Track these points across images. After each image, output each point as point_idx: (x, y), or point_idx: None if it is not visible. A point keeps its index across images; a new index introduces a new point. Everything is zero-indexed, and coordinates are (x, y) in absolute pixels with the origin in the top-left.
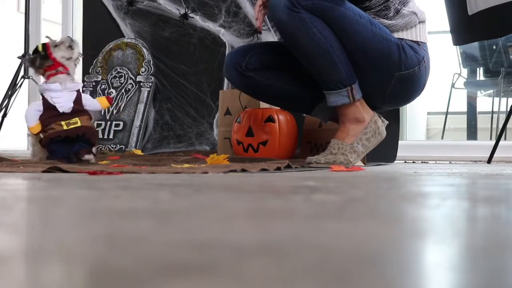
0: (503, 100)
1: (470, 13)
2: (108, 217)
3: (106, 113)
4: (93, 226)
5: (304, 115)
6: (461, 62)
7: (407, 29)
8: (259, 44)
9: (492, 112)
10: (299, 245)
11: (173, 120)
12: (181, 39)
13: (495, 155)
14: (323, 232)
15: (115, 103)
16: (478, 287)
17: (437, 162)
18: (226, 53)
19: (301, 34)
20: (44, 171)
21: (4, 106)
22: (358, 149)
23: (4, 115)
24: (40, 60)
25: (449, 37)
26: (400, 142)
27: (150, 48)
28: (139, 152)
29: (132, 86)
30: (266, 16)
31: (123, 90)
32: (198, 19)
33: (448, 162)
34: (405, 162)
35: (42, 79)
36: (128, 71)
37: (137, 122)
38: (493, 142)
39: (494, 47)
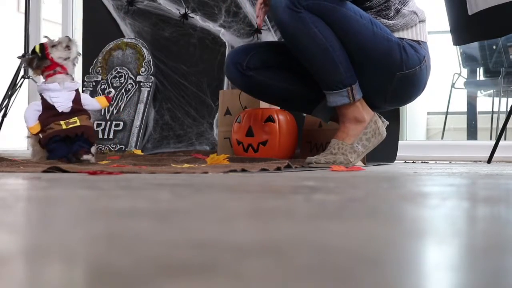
0: (503, 100)
1: (470, 13)
2: (108, 217)
3: (106, 113)
4: (93, 226)
5: (304, 115)
6: (461, 62)
7: (407, 28)
8: (260, 43)
9: (492, 112)
10: (299, 245)
11: (173, 120)
12: (181, 39)
13: (495, 155)
14: (323, 232)
15: (115, 103)
16: (478, 287)
17: (437, 162)
18: (226, 53)
19: (302, 34)
20: (44, 171)
21: (4, 106)
22: (358, 149)
23: (4, 115)
24: (37, 61)
25: (449, 37)
26: (400, 142)
27: (150, 48)
28: (139, 152)
29: (132, 86)
30: (266, 16)
31: (123, 90)
32: (198, 19)
33: (448, 162)
34: (405, 162)
35: (41, 79)
36: (128, 71)
37: (137, 122)
38: (493, 142)
39: (494, 47)
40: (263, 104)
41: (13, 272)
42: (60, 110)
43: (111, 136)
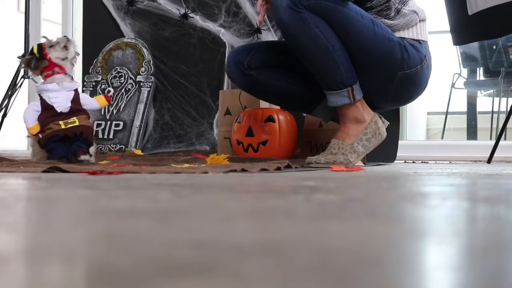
0: (503, 100)
1: (470, 13)
2: (108, 217)
3: (106, 113)
4: (93, 226)
5: (304, 115)
6: (461, 62)
7: (408, 28)
8: (261, 43)
9: (492, 112)
10: (299, 245)
11: (173, 120)
12: (181, 39)
13: (495, 155)
14: (323, 232)
15: (115, 103)
16: (478, 287)
17: (437, 162)
18: (226, 53)
19: (303, 34)
20: (44, 171)
21: (4, 106)
22: (358, 149)
23: (4, 115)
24: (35, 61)
25: (449, 37)
26: (400, 142)
27: (150, 48)
28: (139, 152)
29: (132, 86)
30: (266, 16)
31: (123, 90)
32: (198, 19)
33: (448, 162)
34: (405, 162)
35: (41, 79)
36: (128, 71)
37: (137, 122)
38: (493, 142)
39: (494, 47)
40: (263, 104)
41: (13, 272)
42: (59, 110)
43: (111, 136)
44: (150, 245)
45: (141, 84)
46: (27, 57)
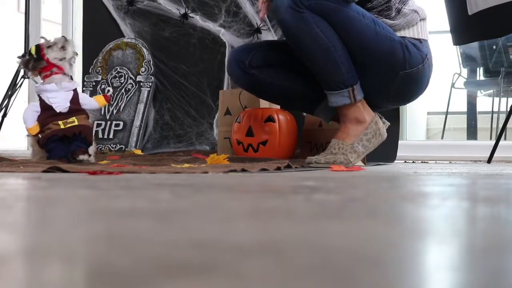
0: (503, 100)
1: (470, 13)
2: (108, 217)
3: (106, 113)
4: (93, 226)
5: (304, 115)
6: (461, 62)
7: (409, 27)
8: (263, 42)
9: (492, 112)
10: (299, 245)
11: (173, 120)
12: (181, 39)
13: (495, 155)
14: (323, 232)
15: (115, 103)
16: (478, 287)
17: (437, 162)
18: (226, 53)
19: (304, 34)
20: (44, 171)
21: (4, 106)
22: (359, 149)
23: (4, 115)
24: (33, 62)
25: (449, 37)
26: (400, 142)
27: (150, 48)
28: (139, 152)
29: (132, 86)
30: (266, 16)
31: (123, 90)
32: (198, 19)
33: (448, 162)
34: (405, 162)
35: (40, 79)
36: (128, 71)
37: (137, 122)
38: (493, 142)
39: (494, 47)
40: (263, 104)
41: (13, 272)
42: (58, 111)
43: (111, 136)
44: (150, 245)
45: (141, 84)
46: (25, 58)
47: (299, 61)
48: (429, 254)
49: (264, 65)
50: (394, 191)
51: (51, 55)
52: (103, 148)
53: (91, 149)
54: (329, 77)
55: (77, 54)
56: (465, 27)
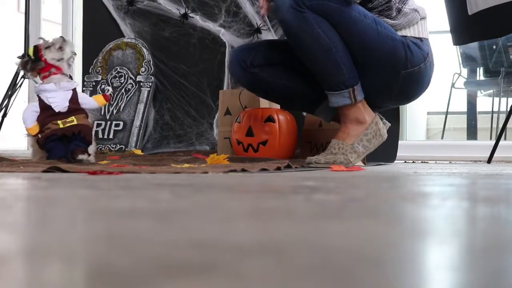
0: (503, 100)
1: (470, 13)
2: (108, 217)
3: (106, 113)
4: (93, 226)
5: (304, 114)
6: (461, 62)
7: (409, 26)
8: (264, 41)
9: (492, 112)
10: (299, 245)
11: (173, 120)
12: (181, 39)
13: (495, 155)
14: (323, 232)
15: (115, 103)
16: (478, 287)
17: (437, 162)
18: (227, 53)
19: (305, 34)
20: (44, 171)
21: (4, 106)
22: (359, 150)
23: (4, 115)
24: (31, 63)
25: (449, 37)
26: (400, 142)
27: (150, 48)
28: (139, 152)
29: (132, 86)
30: (266, 16)
31: (123, 90)
32: (198, 19)
33: (448, 162)
34: (405, 162)
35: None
36: (128, 71)
37: (137, 122)
38: (493, 142)
39: (494, 47)
40: (263, 104)
41: (13, 272)
42: (56, 110)
43: (111, 136)
44: (150, 245)
45: (141, 84)
46: (23, 59)
47: (300, 60)
48: (429, 254)
49: (265, 64)
50: (394, 191)
51: (49, 56)
52: (103, 148)
53: (91, 149)
54: (330, 77)
55: (75, 54)
56: (465, 27)
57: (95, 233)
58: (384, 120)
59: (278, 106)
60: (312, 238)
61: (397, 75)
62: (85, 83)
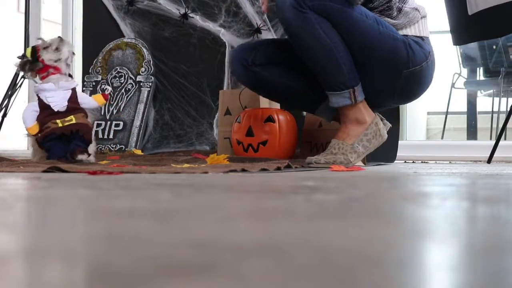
0: (503, 100)
1: (470, 13)
2: (108, 217)
3: (106, 113)
4: (93, 226)
5: (304, 114)
6: (461, 62)
7: (410, 25)
8: (265, 40)
9: (492, 112)
10: (299, 245)
11: (173, 120)
12: (181, 39)
13: (495, 155)
14: (323, 232)
15: (115, 103)
16: (478, 287)
17: (437, 162)
18: (227, 53)
19: (306, 34)
20: (44, 171)
21: (4, 106)
22: (359, 150)
23: (4, 115)
24: (29, 64)
25: (449, 37)
26: (400, 142)
27: (150, 48)
28: (139, 152)
29: (132, 86)
30: (266, 16)
31: (123, 90)
32: (198, 19)
33: (448, 162)
34: (405, 162)
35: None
36: (128, 71)
37: (137, 122)
38: (493, 142)
39: (494, 47)
40: (263, 104)
41: (13, 272)
42: (55, 110)
43: (111, 136)
44: (150, 245)
45: (141, 84)
46: (21, 60)
47: (301, 60)
48: (429, 254)
49: (267, 63)
50: (394, 191)
51: (46, 57)
52: (103, 148)
53: (91, 148)
54: (330, 77)
55: (74, 53)
56: (465, 27)
57: (95, 233)
58: (385, 121)
59: (278, 106)
60: (312, 238)
61: (399, 74)
62: (85, 83)
